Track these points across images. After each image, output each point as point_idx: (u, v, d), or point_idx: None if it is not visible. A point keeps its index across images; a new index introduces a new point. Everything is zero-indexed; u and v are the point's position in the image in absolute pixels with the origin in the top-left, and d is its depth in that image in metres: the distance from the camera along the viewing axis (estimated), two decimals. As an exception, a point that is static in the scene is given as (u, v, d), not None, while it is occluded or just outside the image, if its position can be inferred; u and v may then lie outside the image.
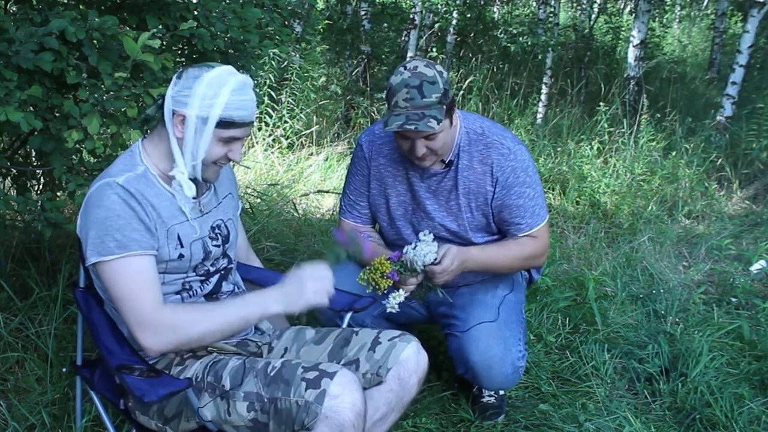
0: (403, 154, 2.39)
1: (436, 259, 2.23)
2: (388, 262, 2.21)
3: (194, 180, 1.85)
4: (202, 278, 1.94)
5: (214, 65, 1.80)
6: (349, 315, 2.19)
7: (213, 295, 1.97)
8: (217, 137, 1.77)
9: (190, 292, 1.92)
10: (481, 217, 2.42)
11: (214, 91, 1.74)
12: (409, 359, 1.94)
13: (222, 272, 2.00)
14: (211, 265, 1.96)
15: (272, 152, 5.35)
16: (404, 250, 2.25)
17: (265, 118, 5.55)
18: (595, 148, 5.88)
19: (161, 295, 1.79)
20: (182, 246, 1.86)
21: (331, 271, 1.86)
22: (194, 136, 1.76)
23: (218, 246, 1.96)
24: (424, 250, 2.22)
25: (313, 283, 1.82)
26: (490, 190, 2.38)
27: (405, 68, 2.22)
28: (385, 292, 2.20)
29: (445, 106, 2.21)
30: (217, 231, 1.97)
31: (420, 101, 2.17)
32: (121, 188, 1.75)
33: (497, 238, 2.49)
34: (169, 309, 1.78)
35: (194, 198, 1.89)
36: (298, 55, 5.88)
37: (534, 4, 11.17)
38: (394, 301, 2.21)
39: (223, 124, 1.76)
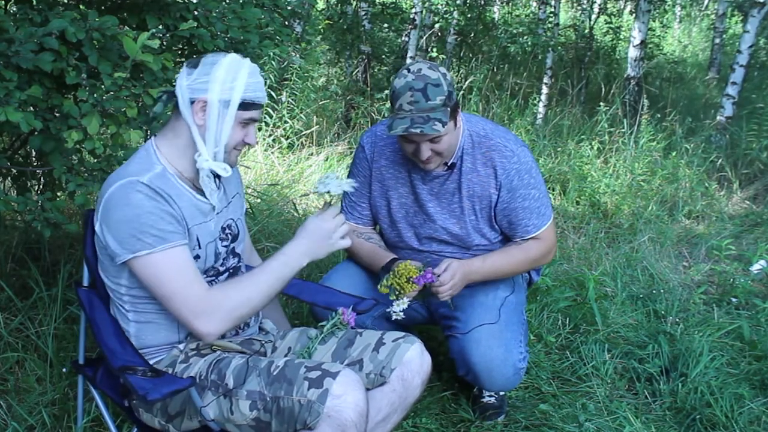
0: (405, 156, 2.39)
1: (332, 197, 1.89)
2: (414, 266, 2.23)
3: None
4: (212, 278, 1.95)
5: (221, 53, 1.85)
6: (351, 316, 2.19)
7: None
8: (238, 120, 1.82)
9: None
10: (484, 220, 2.43)
11: (233, 75, 1.80)
12: (412, 360, 1.95)
13: (231, 271, 2.01)
14: (221, 265, 1.96)
15: (272, 152, 5.34)
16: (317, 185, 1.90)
17: (265, 118, 5.54)
18: (595, 148, 5.88)
19: (203, 280, 1.81)
20: (200, 247, 1.87)
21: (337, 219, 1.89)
22: (217, 120, 1.80)
23: (226, 246, 1.98)
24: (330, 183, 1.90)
25: (333, 228, 1.87)
26: (494, 193, 2.38)
27: (409, 71, 2.20)
28: (409, 296, 2.23)
29: (449, 108, 2.21)
30: (227, 231, 1.99)
31: (425, 104, 2.16)
32: (145, 186, 1.76)
33: (500, 239, 2.50)
34: (218, 292, 1.80)
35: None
36: (298, 55, 5.87)
37: (534, 4, 11.18)
38: (398, 308, 2.22)
39: (243, 105, 1.82)
